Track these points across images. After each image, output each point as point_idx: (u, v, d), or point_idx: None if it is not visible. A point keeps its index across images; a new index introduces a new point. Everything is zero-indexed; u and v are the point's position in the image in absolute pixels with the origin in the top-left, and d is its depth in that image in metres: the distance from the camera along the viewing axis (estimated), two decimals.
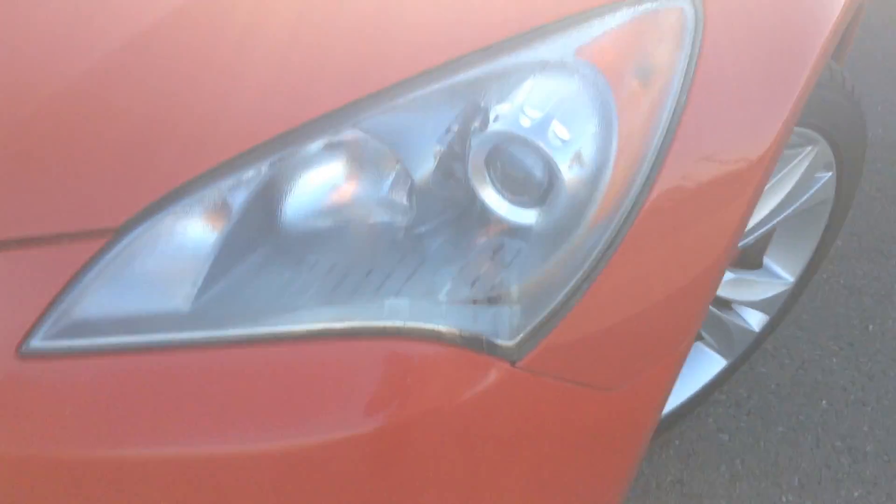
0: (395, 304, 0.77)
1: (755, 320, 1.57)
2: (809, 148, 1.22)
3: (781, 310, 1.58)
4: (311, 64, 0.77)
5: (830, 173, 1.31)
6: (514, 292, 0.78)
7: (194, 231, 0.73)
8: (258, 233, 0.76)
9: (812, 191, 1.31)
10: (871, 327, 1.91)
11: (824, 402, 1.76)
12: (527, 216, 0.79)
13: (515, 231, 0.79)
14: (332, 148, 0.76)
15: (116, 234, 0.71)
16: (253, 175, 0.73)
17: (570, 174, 0.75)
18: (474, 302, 0.78)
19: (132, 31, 0.79)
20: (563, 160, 0.75)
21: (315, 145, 0.75)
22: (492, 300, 0.78)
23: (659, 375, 0.93)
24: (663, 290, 0.85)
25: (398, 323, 0.76)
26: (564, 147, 0.75)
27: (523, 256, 0.79)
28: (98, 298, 0.72)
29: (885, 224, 2.16)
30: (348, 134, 0.76)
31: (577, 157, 0.75)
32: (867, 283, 2.01)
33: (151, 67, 0.78)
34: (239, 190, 0.73)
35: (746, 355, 1.65)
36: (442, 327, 0.77)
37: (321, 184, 0.77)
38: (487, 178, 0.79)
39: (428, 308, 0.77)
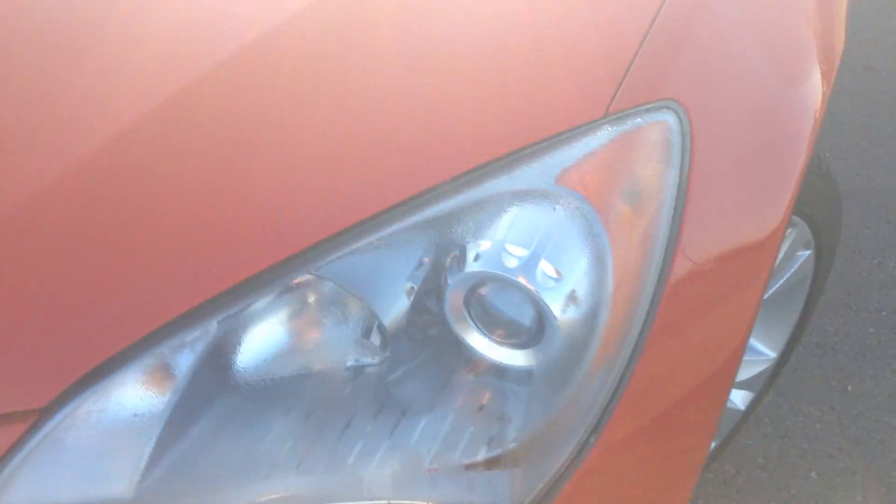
0: (377, 476, 0.68)
1: (740, 399, 1.50)
2: (790, 230, 1.16)
3: (765, 385, 1.52)
4: (258, 209, 0.68)
5: (810, 251, 1.25)
6: (513, 452, 0.69)
7: (133, 404, 0.63)
8: (211, 395, 0.67)
9: (793, 269, 1.26)
10: (849, 388, 1.86)
11: (814, 473, 1.69)
12: (518, 358, 0.71)
13: (507, 374, 0.71)
14: (286, 293, 0.68)
15: (41, 415, 0.61)
16: (199, 334, 0.64)
17: (564, 316, 0.67)
18: (467, 468, 0.68)
19: (44, 181, 0.69)
20: (556, 302, 0.67)
21: (267, 298, 0.67)
22: (489, 464, 0.69)
23: None
24: (679, 422, 0.77)
25: (382, 502, 0.66)
26: (556, 287, 0.67)
27: (520, 406, 0.70)
28: (24, 489, 0.62)
29: (850, 276, 2.13)
30: (303, 278, 0.67)
31: (572, 298, 0.67)
32: (839, 341, 1.96)
33: (71, 218, 0.68)
34: (183, 352, 0.64)
35: (733, 434, 1.58)
36: (432, 502, 0.67)
37: (278, 334, 0.69)
38: (468, 319, 0.70)
39: (414, 479, 0.68)
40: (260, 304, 0.66)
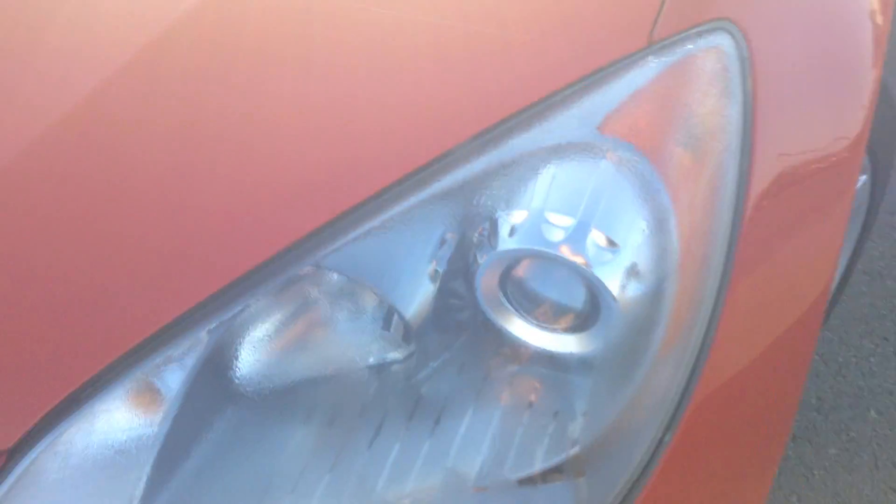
0: (415, 502, 0.57)
1: None
2: None
3: (820, 326, 1.40)
4: (244, 196, 0.58)
5: (865, 176, 1.13)
6: (575, 459, 0.58)
7: (118, 435, 0.55)
8: (211, 412, 0.58)
9: None
10: None
11: (872, 411, 1.58)
12: (568, 343, 0.60)
13: (557, 363, 0.60)
14: (285, 291, 0.58)
15: (9, 457, 0.53)
16: (188, 347, 0.56)
17: (625, 295, 0.56)
18: (521, 483, 0.58)
19: None
20: (614, 279, 0.55)
21: (263, 299, 0.57)
22: (547, 476, 0.58)
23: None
24: (765, 390, 0.67)
25: None
26: (613, 261, 0.55)
27: (578, 401, 0.60)
28: None
29: (893, 195, 2.00)
30: (303, 271, 0.58)
31: (632, 272, 0.56)
32: (886, 265, 1.84)
33: (25, 221, 0.59)
34: (170, 369, 0.55)
35: None
36: None
37: (281, 337, 0.59)
38: (505, 303, 0.60)
39: (458, 502, 0.58)
40: (255, 306, 0.57)
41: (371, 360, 0.61)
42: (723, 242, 0.60)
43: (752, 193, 0.61)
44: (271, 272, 0.56)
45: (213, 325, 0.55)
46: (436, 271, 0.59)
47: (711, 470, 0.63)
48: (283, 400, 0.59)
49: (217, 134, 0.60)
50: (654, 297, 0.57)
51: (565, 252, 0.55)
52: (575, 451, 0.58)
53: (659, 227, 0.57)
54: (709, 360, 0.59)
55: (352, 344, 0.61)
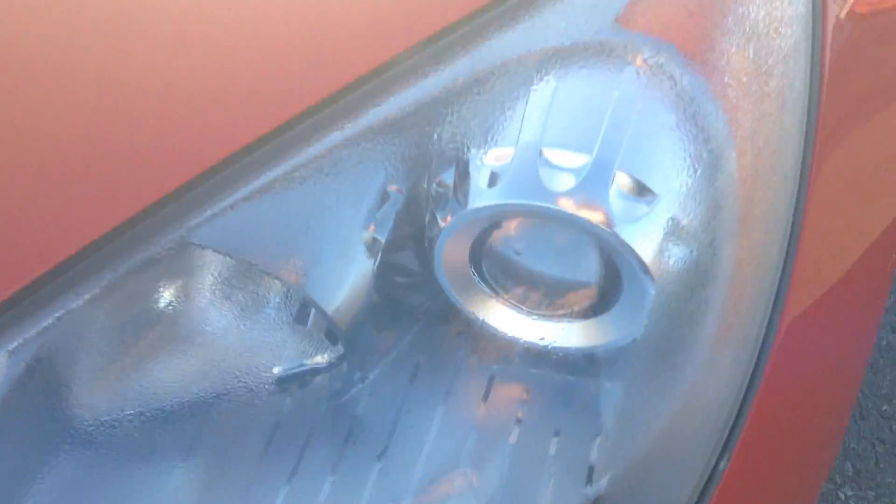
0: None
1: None
2: None
3: None
4: (62, 137, 0.42)
5: None
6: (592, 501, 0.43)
7: None
8: (32, 461, 0.44)
9: None
10: None
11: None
12: (572, 335, 0.45)
13: (556, 362, 0.45)
14: (132, 279, 0.43)
15: None
16: None
17: (663, 265, 0.40)
18: None
19: None
20: (647, 241, 0.40)
21: (93, 300, 0.42)
22: None
23: None
24: (830, 393, 0.54)
25: None
26: (646, 217, 0.40)
27: (591, 419, 0.44)
28: None
29: None
30: (161, 250, 0.43)
31: (674, 231, 0.40)
32: None
33: None
34: None
35: None
36: None
37: (136, 347, 0.45)
38: (479, 283, 0.45)
39: None
40: (87, 306, 0.42)
41: (278, 371, 0.48)
42: (793, 180, 0.45)
43: (825, 106, 0.45)
44: (107, 256, 0.41)
45: (15, 343, 0.40)
46: (374, 240, 0.45)
47: (771, 487, 0.49)
48: (150, 433, 0.46)
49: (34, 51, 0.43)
50: (705, 267, 0.41)
51: (572, 206, 0.39)
52: (592, 491, 0.43)
53: (713, 165, 0.41)
54: (772, 353, 0.44)
55: (248, 350, 0.48)
